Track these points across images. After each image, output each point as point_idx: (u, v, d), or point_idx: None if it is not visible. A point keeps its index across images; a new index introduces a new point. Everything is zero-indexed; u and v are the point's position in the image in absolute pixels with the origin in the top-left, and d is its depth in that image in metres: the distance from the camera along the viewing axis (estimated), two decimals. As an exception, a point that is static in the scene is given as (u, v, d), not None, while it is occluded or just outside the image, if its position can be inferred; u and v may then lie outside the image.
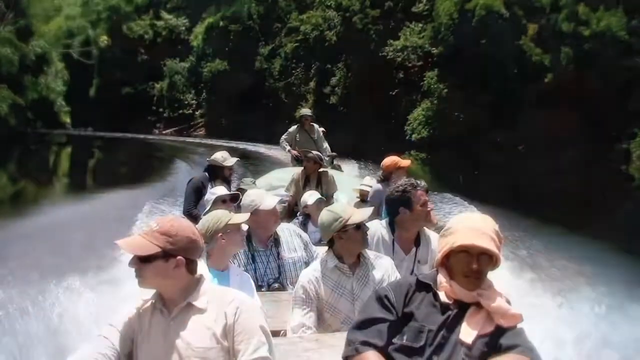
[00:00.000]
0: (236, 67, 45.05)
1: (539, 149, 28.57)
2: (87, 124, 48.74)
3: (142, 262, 2.56)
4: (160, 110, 52.08)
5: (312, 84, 41.84)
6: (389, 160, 7.37)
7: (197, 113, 50.67)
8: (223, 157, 7.82)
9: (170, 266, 2.57)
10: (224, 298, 2.67)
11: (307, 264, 4.71)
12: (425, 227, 4.75)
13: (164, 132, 50.61)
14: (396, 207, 4.59)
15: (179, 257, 2.57)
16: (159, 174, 22.76)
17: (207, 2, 51.08)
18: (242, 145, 35.30)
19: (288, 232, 4.96)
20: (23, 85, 26.68)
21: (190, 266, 2.65)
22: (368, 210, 4.12)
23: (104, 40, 46.29)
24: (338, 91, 38.85)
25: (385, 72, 36.32)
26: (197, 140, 42.99)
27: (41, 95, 29.61)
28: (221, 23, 46.17)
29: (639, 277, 9.92)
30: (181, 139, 45.35)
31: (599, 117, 27.56)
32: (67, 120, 37.89)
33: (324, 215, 3.93)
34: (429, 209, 4.53)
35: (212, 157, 7.92)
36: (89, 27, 50.16)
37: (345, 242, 3.83)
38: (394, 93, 36.61)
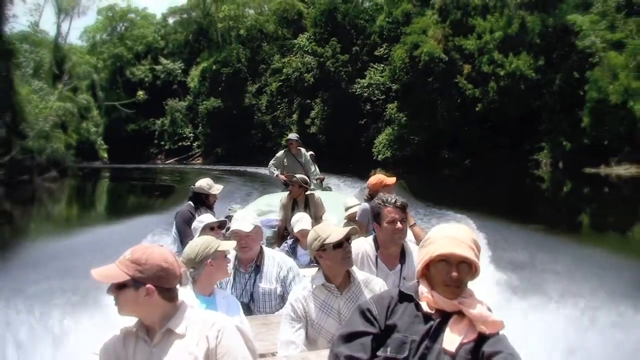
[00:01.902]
0: (228, 103, 53.64)
1: (479, 161, 37.35)
2: (92, 158, 56.55)
3: (117, 290, 2.55)
4: (162, 143, 60.49)
5: (294, 116, 50.51)
6: (375, 179, 7.26)
7: (194, 144, 59.11)
8: (209, 185, 7.77)
9: (141, 294, 2.54)
10: (205, 322, 2.65)
11: (281, 297, 4.74)
12: (409, 243, 4.71)
13: (166, 162, 58.83)
14: (372, 222, 4.61)
15: (148, 286, 2.53)
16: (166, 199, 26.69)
17: (200, 48, 60.05)
18: (235, 168, 42.91)
19: (273, 262, 4.87)
20: (74, 129, 34.77)
21: (166, 294, 2.61)
22: (345, 229, 3.95)
23: (140, 95, 54.52)
24: (317, 122, 47.44)
25: (354, 105, 45.07)
26: (197, 167, 50.97)
27: (84, 136, 37.56)
28: (214, 67, 54.88)
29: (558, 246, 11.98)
30: (182, 166, 53.41)
31: (518, 136, 36.61)
32: (105, 155, 45.38)
33: (309, 235, 3.87)
34: (397, 226, 4.35)
35: (197, 184, 7.81)
36: (93, 72, 57.95)
37: (325, 261, 3.75)
38: (362, 122, 45.27)
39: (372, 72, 45.45)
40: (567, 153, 33.20)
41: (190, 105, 58.61)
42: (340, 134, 44.49)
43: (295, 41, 50.85)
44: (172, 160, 58.68)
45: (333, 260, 3.74)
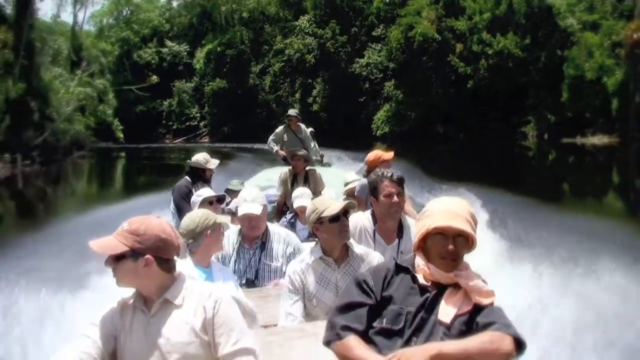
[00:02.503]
0: (233, 84, 56.24)
1: (471, 134, 40.30)
2: (108, 139, 59.24)
3: (115, 261, 2.58)
4: (170, 123, 63.24)
5: (297, 95, 53.25)
6: (373, 154, 7.30)
7: (201, 124, 61.87)
8: (205, 159, 7.81)
9: (140, 265, 2.57)
10: (202, 293, 2.67)
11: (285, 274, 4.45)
12: (408, 218, 4.76)
13: (174, 141, 61.64)
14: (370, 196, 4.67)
15: (147, 256, 2.57)
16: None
17: (204, 30, 62.61)
18: (243, 145, 45.37)
19: (279, 238, 4.90)
20: (92, 112, 37.69)
21: (164, 265, 2.64)
22: (342, 203, 4.03)
23: (153, 79, 57.31)
24: (319, 100, 50.26)
25: (354, 84, 47.95)
26: (206, 145, 53.72)
27: (101, 118, 40.54)
28: (218, 49, 57.30)
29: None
30: (191, 145, 56.18)
31: (507, 110, 39.52)
32: (121, 136, 48.34)
33: (308, 207, 3.96)
34: (394, 200, 4.38)
35: (194, 159, 7.87)
36: (101, 57, 60.25)
37: (322, 234, 3.82)
38: (362, 100, 48.15)
39: (370, 52, 48.36)
40: (551, 125, 36.14)
41: (197, 86, 61.18)
42: (340, 111, 47.29)
43: (296, 23, 53.56)
44: (179, 140, 61.33)
45: (330, 234, 3.80)
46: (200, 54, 60.09)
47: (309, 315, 3.86)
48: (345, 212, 3.86)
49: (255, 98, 55.83)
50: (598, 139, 32.18)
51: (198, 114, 62.40)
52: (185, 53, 64.11)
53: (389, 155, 7.17)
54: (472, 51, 39.82)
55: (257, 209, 4.70)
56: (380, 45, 48.02)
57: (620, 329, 5.49)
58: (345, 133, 43.42)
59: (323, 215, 3.78)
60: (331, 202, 3.93)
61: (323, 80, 50.35)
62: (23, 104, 27.52)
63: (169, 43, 64.83)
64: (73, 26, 40.44)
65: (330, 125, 44.98)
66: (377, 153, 7.25)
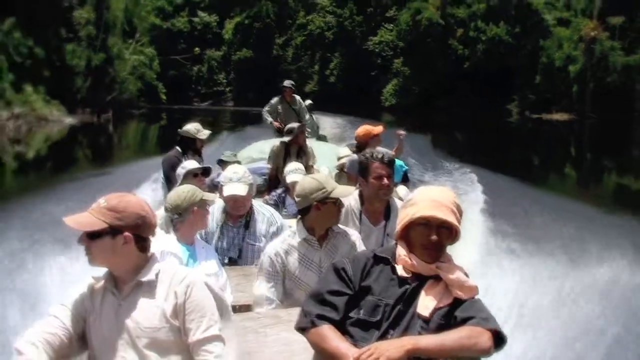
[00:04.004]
0: (258, 54, 63.91)
1: (466, 109, 48.00)
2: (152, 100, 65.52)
3: (90, 239, 2.52)
4: (198, 88, 71.20)
5: (316, 67, 61.04)
6: (362, 129, 7.29)
7: (227, 89, 69.90)
8: (196, 129, 7.68)
9: (118, 243, 2.52)
10: (175, 277, 2.63)
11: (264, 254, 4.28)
12: (396, 200, 4.74)
13: (201, 104, 69.58)
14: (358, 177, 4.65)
15: (126, 234, 2.53)
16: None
17: (232, 2, 70.26)
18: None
19: (263, 218, 4.85)
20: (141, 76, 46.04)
21: (141, 244, 2.61)
22: (351, 189, 4.19)
23: (196, 51, 65.53)
24: (335, 73, 58.01)
25: (367, 59, 55.56)
26: (232, 109, 61.61)
27: (148, 82, 48.67)
28: (246, 21, 65.13)
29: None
30: (218, 108, 64.16)
31: (496, 89, 47.21)
32: (164, 98, 56.44)
33: (307, 182, 3.87)
34: (384, 182, 4.36)
35: (185, 128, 7.74)
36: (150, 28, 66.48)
37: (322, 214, 3.79)
38: (373, 74, 55.70)
39: (383, 32, 55.91)
40: (530, 104, 44.01)
41: (224, 55, 69.02)
42: (354, 83, 54.84)
43: (318, 1, 61.32)
44: (207, 103, 69.29)
45: (327, 214, 3.81)
46: (229, 25, 67.91)
47: (290, 297, 3.87)
48: None
49: (277, 68, 63.24)
50: (560, 116, 40.23)
51: (225, 80, 70.26)
52: (215, 23, 71.82)
53: (379, 129, 7.20)
54: (469, 36, 47.50)
55: (242, 190, 4.62)
56: (392, 25, 55.52)
57: (608, 317, 5.47)
58: (357, 103, 49.60)
59: (331, 195, 3.76)
60: (336, 184, 3.92)
61: (340, 55, 58.12)
62: (101, 70, 35.93)
63: (200, 13, 72.52)
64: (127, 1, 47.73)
65: (344, 95, 52.52)
66: (367, 128, 7.31)
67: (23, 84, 28.51)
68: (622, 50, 39.67)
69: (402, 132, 7.91)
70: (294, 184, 6.14)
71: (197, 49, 64.87)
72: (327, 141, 12.51)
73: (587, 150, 30.38)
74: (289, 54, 64.19)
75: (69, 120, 31.03)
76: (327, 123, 28.02)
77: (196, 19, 71.85)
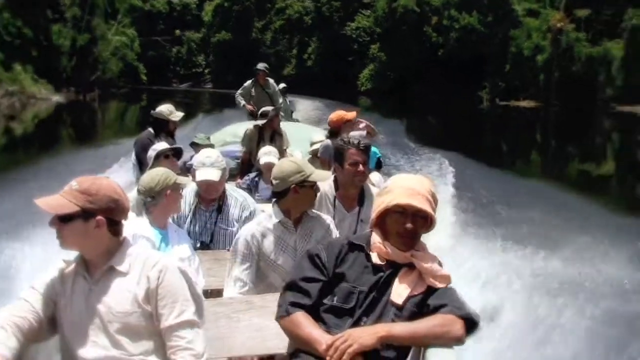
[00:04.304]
0: (237, 37, 64.96)
1: (439, 95, 49.82)
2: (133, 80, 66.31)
3: (62, 222, 2.50)
4: (177, 69, 72.32)
5: (294, 51, 62.30)
6: (335, 115, 7.29)
7: (206, 71, 71.09)
8: (169, 111, 7.59)
9: (91, 226, 2.49)
10: (147, 261, 2.61)
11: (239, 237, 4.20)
12: (370, 186, 4.78)
13: (180, 86, 70.68)
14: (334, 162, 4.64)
15: (99, 217, 2.50)
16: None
17: (212, -15, 71.33)
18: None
19: (236, 202, 4.86)
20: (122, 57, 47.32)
21: (114, 227, 2.58)
22: (328, 174, 4.31)
23: (177, 32, 66.67)
24: (313, 57, 59.42)
25: (345, 44, 56.93)
26: (211, 90, 62.99)
27: (128, 62, 49.86)
28: (225, 4, 66.26)
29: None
30: (198, 89, 65.41)
31: (468, 76, 49.09)
32: (145, 78, 57.63)
33: (285, 164, 3.88)
34: (359, 169, 4.37)
35: (158, 109, 7.64)
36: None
37: (299, 197, 3.79)
38: (350, 59, 57.15)
39: (360, 18, 57.47)
40: (500, 91, 46.04)
41: (204, 37, 70.15)
42: (331, 68, 56.21)
43: (298, -14, 62.86)
44: (185, 85, 70.42)
45: (304, 198, 3.82)
46: (209, 7, 68.96)
47: (264, 280, 3.89)
48: None
49: (256, 51, 64.15)
50: (527, 103, 42.37)
51: (204, 62, 71.46)
52: (194, 5, 72.85)
53: (352, 115, 7.19)
54: (443, 24, 49.31)
55: (215, 175, 4.63)
56: (369, 12, 57.07)
57: (588, 298, 5.64)
58: (334, 87, 51.28)
59: (309, 179, 3.78)
60: (313, 168, 3.97)
61: (318, 39, 59.53)
62: (86, 50, 37.19)
63: (179, -5, 73.69)
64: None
65: (322, 79, 54.03)
66: (340, 113, 7.29)
67: (12, 63, 29.68)
68: (587, 41, 41.67)
69: (361, 121, 7.44)
70: (268, 165, 6.40)
71: (177, 30, 65.68)
72: (299, 122, 12.59)
73: (551, 137, 32.09)
74: (268, 37, 65.46)
75: (56, 98, 32.37)
76: (304, 106, 29.90)
77: (175, 0, 72.97)
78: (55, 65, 34.48)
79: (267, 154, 6.83)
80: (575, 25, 41.58)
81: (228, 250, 4.25)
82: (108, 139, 21.56)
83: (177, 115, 7.65)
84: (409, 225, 2.64)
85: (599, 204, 12.12)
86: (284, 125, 8.93)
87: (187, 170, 6.31)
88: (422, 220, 2.68)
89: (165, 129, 7.50)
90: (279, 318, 2.66)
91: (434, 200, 2.70)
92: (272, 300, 2.94)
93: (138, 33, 60.06)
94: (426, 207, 2.64)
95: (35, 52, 32.37)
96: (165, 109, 7.59)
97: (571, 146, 26.85)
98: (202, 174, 4.63)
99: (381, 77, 54.07)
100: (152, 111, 7.75)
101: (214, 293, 4.03)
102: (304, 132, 9.78)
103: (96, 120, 31.74)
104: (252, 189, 6.67)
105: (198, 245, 4.67)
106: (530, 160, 22.61)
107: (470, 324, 2.53)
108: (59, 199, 2.50)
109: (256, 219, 4.10)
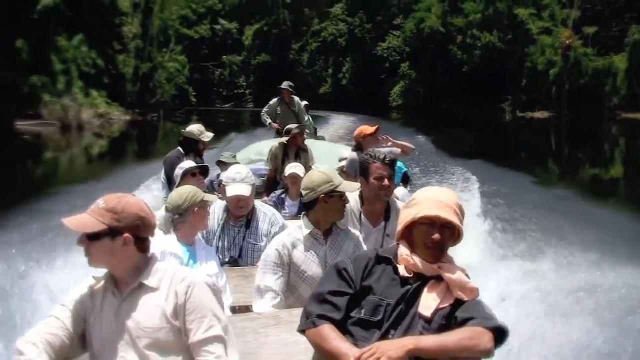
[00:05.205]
0: (276, 59, 70.67)
1: (465, 109, 54.24)
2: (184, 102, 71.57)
3: (90, 240, 2.55)
4: (220, 90, 78.55)
5: (330, 71, 68.31)
6: (358, 130, 7.46)
7: (247, 92, 77.03)
8: (200, 131, 7.75)
9: (118, 244, 2.55)
10: (175, 277, 2.65)
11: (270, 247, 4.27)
12: (396, 201, 4.79)
13: (223, 106, 76.48)
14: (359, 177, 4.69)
15: (126, 235, 2.55)
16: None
17: (252, 11, 77.39)
18: None
19: (265, 217, 4.95)
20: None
21: (141, 244, 2.64)
22: (356, 185, 4.28)
23: (224, 58, 73.44)
24: (347, 76, 65.14)
25: (376, 63, 62.61)
26: (252, 110, 68.21)
27: (179, 86, 56.17)
28: (265, 28, 72.63)
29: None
30: (240, 109, 71.06)
31: (491, 90, 53.75)
32: (194, 100, 63.82)
33: (315, 175, 3.96)
34: (384, 183, 4.44)
35: (188, 129, 7.80)
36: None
37: (328, 208, 3.86)
38: (382, 77, 62.67)
39: (390, 38, 63.15)
40: (521, 104, 50.86)
41: (244, 60, 76.50)
42: (364, 85, 61.86)
43: (331, 10, 68.58)
44: (228, 105, 76.26)
45: (333, 209, 3.89)
46: (249, 32, 75.32)
47: (294, 292, 3.93)
48: None
49: (294, 72, 69.30)
50: (541, 114, 47.17)
51: (245, 84, 77.60)
52: (235, 30, 79.17)
53: (371, 129, 7.29)
54: (467, 43, 54.38)
55: (246, 190, 4.73)
56: (399, 32, 62.47)
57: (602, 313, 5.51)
58: (367, 103, 56.25)
59: (338, 189, 3.85)
60: (343, 179, 4.05)
61: (351, 59, 65.47)
62: (147, 76, 43.49)
63: (221, 21, 79.92)
64: (161, 11, 54.72)
65: (356, 96, 59.53)
66: (362, 128, 7.50)
67: (90, 89, 35.69)
68: (595, 56, 46.51)
69: (389, 140, 7.38)
70: (293, 176, 6.80)
71: (224, 56, 72.02)
72: (324, 140, 12.73)
73: (565, 144, 35.42)
74: (305, 58, 71.61)
75: (126, 118, 38.46)
76: (340, 121, 34.35)
77: (218, 27, 79.25)
78: (122, 91, 40.49)
79: (292, 168, 7.08)
80: (583, 41, 46.41)
81: (256, 266, 4.32)
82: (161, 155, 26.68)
83: (208, 135, 7.87)
84: (436, 236, 2.63)
85: (614, 209, 12.66)
86: (310, 142, 9.13)
87: (214, 188, 6.61)
88: (450, 232, 2.68)
89: (195, 148, 7.70)
90: (305, 330, 2.64)
91: (460, 213, 2.71)
92: (299, 315, 2.77)
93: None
94: (453, 218, 2.64)
95: (107, 79, 38.32)
96: (196, 129, 7.81)
97: (584, 153, 28.98)
98: (233, 190, 4.76)
99: (411, 93, 59.22)
100: (182, 131, 8.00)
101: (242, 310, 4.08)
102: (329, 149, 10.01)
103: (157, 137, 37.32)
104: (278, 206, 6.74)
105: (227, 260, 4.81)
106: (549, 169, 23.69)
107: (499, 336, 2.50)
108: (86, 218, 2.56)
109: (287, 230, 4.19)
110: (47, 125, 31.70)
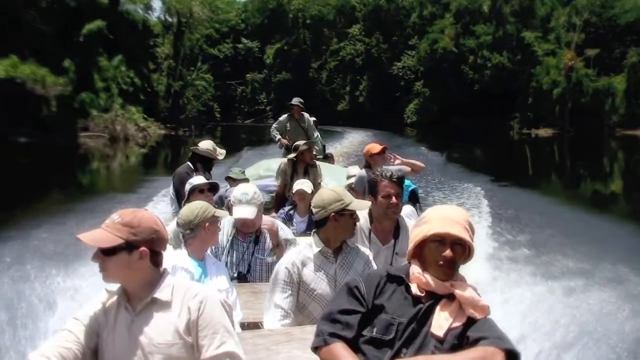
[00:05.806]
0: (296, 77, 74.33)
1: (476, 125, 57.66)
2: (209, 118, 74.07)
3: (105, 255, 2.57)
4: (242, 106, 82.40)
5: (347, 89, 71.94)
6: (366, 147, 7.57)
7: (267, 108, 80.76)
8: (214, 148, 7.78)
9: (134, 258, 2.58)
10: (188, 292, 2.66)
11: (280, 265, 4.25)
12: (405, 219, 4.81)
13: (245, 122, 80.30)
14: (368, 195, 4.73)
15: (142, 249, 2.58)
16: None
17: (273, 30, 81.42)
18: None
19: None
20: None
21: (155, 258, 2.66)
22: (367, 203, 4.29)
23: (247, 76, 77.89)
24: (364, 94, 68.77)
25: (392, 82, 66.22)
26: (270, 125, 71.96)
27: (204, 102, 60.35)
28: (285, 47, 76.62)
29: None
30: (261, 125, 74.82)
31: (500, 108, 57.14)
32: (219, 116, 67.99)
33: (325, 193, 3.97)
34: (392, 201, 4.47)
35: (204, 147, 7.78)
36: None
37: (338, 226, 3.87)
38: (397, 94, 66.33)
39: (405, 58, 66.89)
40: (528, 121, 54.26)
41: (265, 77, 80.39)
42: (381, 102, 65.46)
43: (349, 30, 72.48)
44: (249, 121, 79.95)
45: (343, 227, 3.91)
46: (270, 50, 79.24)
47: (303, 310, 3.92)
48: None
49: (313, 89, 73.20)
50: (544, 132, 50.64)
51: (265, 100, 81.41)
52: (257, 49, 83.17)
53: (377, 149, 7.34)
54: (478, 63, 57.98)
55: (251, 213, 4.80)
56: (413, 52, 66.12)
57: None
58: (383, 120, 59.71)
59: (349, 207, 3.88)
60: (352, 197, 4.07)
61: (368, 77, 69.21)
62: (179, 94, 47.64)
63: (244, 40, 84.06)
64: (191, 32, 59.06)
65: (372, 113, 63.21)
66: (369, 146, 7.60)
67: (128, 105, 39.66)
68: (596, 76, 50.02)
69: (397, 158, 7.39)
70: (301, 192, 6.96)
71: (248, 75, 76.07)
72: (333, 159, 12.84)
73: (569, 159, 38.27)
74: (323, 76, 75.47)
75: (161, 132, 42.39)
76: (357, 135, 37.24)
77: (240, 45, 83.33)
78: (156, 107, 44.47)
79: (300, 184, 7.09)
80: (584, 62, 49.85)
81: (265, 282, 4.41)
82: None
83: (221, 152, 7.93)
84: (447, 252, 2.63)
85: (620, 223, 12.93)
86: (319, 162, 9.04)
87: (222, 204, 6.66)
88: (461, 249, 2.68)
89: (206, 165, 7.73)
90: (317, 348, 2.65)
91: (471, 230, 2.71)
92: (311, 331, 2.80)
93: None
94: (464, 235, 2.65)
95: (143, 96, 42.37)
96: (210, 146, 7.80)
97: (588, 167, 30.45)
98: (238, 212, 4.85)
99: (425, 110, 62.75)
100: (193, 147, 8.01)
101: (251, 326, 4.11)
102: (336, 169, 10.15)
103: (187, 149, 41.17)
104: (286, 222, 6.73)
105: (235, 275, 4.88)
106: (553, 183, 24.62)
107: (511, 357, 2.50)
108: (102, 233, 2.58)
109: (296, 248, 4.18)
110: (98, 137, 35.79)
